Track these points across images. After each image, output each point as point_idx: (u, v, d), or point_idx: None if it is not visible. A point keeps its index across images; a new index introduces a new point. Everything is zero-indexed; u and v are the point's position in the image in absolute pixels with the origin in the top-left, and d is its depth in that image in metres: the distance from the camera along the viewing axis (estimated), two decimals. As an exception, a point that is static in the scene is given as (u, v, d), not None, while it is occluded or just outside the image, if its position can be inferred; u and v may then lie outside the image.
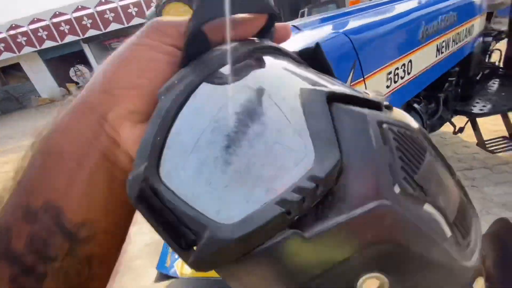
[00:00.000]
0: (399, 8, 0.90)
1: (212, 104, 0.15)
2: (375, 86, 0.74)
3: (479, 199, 1.96)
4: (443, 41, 1.00)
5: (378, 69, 0.73)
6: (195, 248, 0.13)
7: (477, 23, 1.25)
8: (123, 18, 13.12)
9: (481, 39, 1.49)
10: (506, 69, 2.06)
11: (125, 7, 12.92)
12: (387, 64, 0.77)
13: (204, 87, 0.16)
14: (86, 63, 14.90)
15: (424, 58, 0.93)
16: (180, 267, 0.49)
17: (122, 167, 0.19)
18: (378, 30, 0.74)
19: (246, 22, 0.18)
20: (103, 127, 0.18)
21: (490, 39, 1.92)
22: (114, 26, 13.24)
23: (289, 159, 0.14)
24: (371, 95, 0.17)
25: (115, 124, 0.18)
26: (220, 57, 0.17)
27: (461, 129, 1.82)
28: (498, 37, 1.96)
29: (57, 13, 12.85)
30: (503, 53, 2.20)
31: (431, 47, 0.94)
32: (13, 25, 12.92)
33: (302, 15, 4.39)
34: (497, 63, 2.18)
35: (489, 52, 2.11)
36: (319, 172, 0.13)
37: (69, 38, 13.28)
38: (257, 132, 0.14)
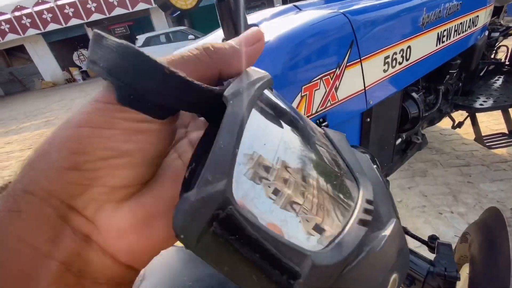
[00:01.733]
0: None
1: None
2: (371, 68, 0.75)
3: (473, 194, 1.98)
4: (445, 30, 0.99)
5: (376, 52, 0.74)
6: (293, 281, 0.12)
7: (482, 15, 1.24)
8: (128, 3, 12.97)
9: (486, 32, 1.48)
10: (511, 66, 2.04)
11: (130, -8, 12.78)
12: (385, 48, 0.77)
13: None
14: (90, 48, 14.79)
15: (423, 46, 0.93)
16: None
17: (94, 277, 0.13)
18: (378, 13, 0.74)
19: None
20: (67, 222, 0.12)
21: (497, 34, 1.90)
22: (118, 11, 13.10)
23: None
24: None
25: (89, 210, 0.13)
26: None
27: (460, 124, 1.82)
28: (505, 32, 1.93)
29: (61, -5, 12.73)
30: (510, 50, 2.17)
31: (431, 34, 0.94)
32: (18, 6, 12.81)
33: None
34: (503, 60, 2.16)
35: (495, 48, 2.08)
36: (368, 196, 0.17)
37: (73, 22, 13.18)
38: None
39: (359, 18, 0.68)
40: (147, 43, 9.94)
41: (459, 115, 2.11)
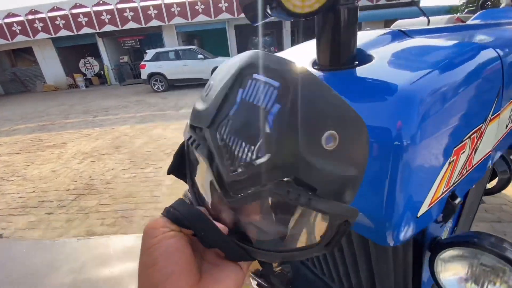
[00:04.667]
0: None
1: None
2: (502, 123, 0.55)
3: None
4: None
5: (510, 101, 0.55)
6: None
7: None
8: (142, 19, 13.28)
9: None
10: None
11: (145, 8, 13.10)
12: (515, 97, 0.58)
13: None
14: (97, 56, 14.92)
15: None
16: None
17: None
18: None
19: None
20: None
21: None
22: (131, 25, 13.36)
23: None
24: None
25: None
26: None
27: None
28: None
29: (78, 4, 12.98)
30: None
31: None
32: (33, 10, 13.01)
33: None
34: None
35: None
36: None
37: (85, 30, 13.36)
38: None
39: (507, 54, 0.49)
40: (156, 57, 9.99)
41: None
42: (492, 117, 0.47)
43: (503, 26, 0.99)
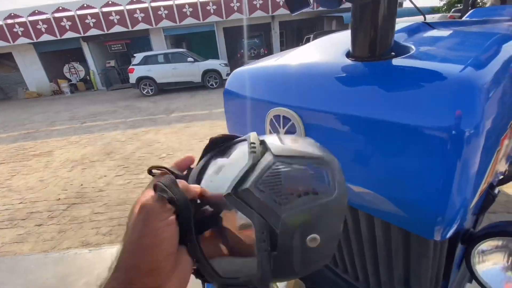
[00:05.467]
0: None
1: None
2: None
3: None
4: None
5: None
6: None
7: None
8: (128, 22, 13.04)
9: None
10: None
11: (131, 11, 12.88)
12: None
13: None
14: (82, 61, 14.52)
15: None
16: None
17: None
18: None
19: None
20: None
21: None
22: (117, 29, 13.09)
23: None
24: None
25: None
26: None
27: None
28: None
29: (60, 8, 12.62)
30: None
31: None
32: (12, 14, 12.52)
33: (308, 41, 4.40)
34: None
35: None
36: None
37: (69, 35, 12.97)
38: None
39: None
40: (144, 61, 9.82)
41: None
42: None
43: (499, 23, 1.01)
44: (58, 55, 14.38)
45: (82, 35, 13.06)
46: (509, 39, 0.47)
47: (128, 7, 12.83)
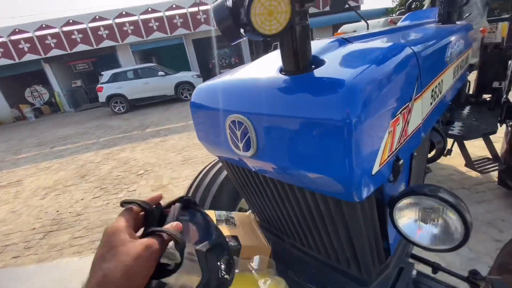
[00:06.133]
0: (428, 30, 0.94)
1: None
2: (425, 101, 0.72)
3: (473, 218, 2.03)
4: (457, 65, 1.06)
5: (428, 84, 0.72)
6: None
7: (470, 53, 1.38)
8: (92, 40, 12.68)
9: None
10: (477, 96, 2.31)
11: (95, 29, 12.56)
12: (433, 81, 0.76)
13: None
14: (46, 83, 13.82)
15: (448, 80, 0.96)
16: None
17: None
18: (430, 45, 0.75)
19: None
20: None
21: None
22: (81, 47, 12.68)
23: None
24: None
25: None
26: None
27: (449, 151, 1.93)
28: (469, 69, 2.22)
29: (17, 30, 12.00)
30: (472, 84, 2.48)
31: (452, 69, 0.98)
32: (-39, 40, 11.71)
33: (276, 48, 4.64)
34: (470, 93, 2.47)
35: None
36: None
37: (29, 57, 12.34)
38: None
39: (421, 50, 0.66)
40: (113, 78, 9.61)
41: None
42: (416, 97, 0.63)
43: (422, 26, 1.23)
44: (18, 79, 13.58)
45: (43, 56, 12.48)
46: (404, 47, 0.63)
47: (91, 24, 12.50)
